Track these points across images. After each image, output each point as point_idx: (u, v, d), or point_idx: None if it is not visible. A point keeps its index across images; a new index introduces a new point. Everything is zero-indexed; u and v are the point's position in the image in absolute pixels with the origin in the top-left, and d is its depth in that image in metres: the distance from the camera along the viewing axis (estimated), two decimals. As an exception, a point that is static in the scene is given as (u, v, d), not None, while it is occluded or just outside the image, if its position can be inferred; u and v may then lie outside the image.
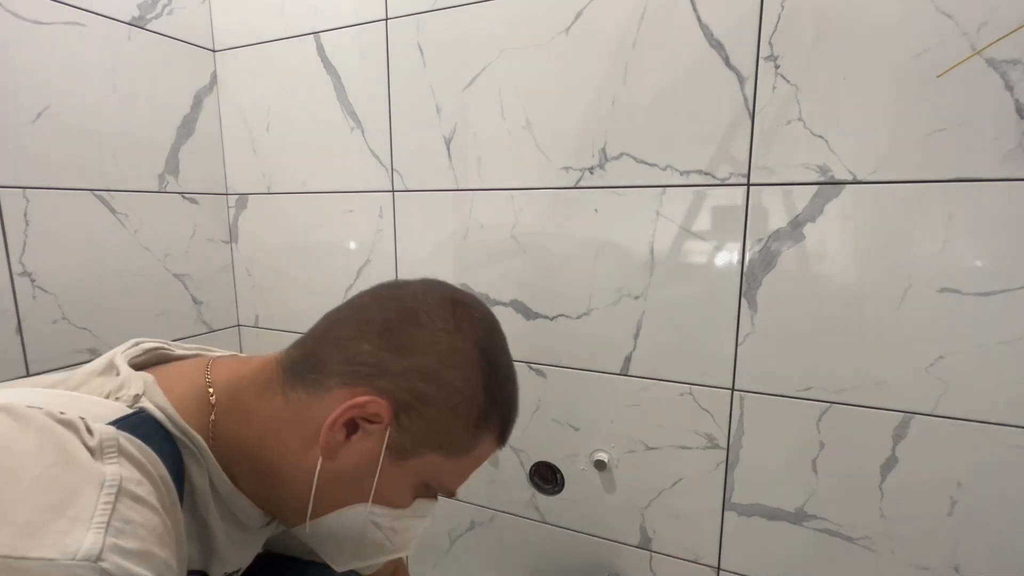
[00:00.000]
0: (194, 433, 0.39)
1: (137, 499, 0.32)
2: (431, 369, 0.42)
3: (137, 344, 0.46)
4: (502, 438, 0.48)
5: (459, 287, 0.49)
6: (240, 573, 0.51)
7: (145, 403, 0.38)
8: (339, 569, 0.49)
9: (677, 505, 0.82)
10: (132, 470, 0.33)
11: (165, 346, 0.48)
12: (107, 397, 0.38)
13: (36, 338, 0.80)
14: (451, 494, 0.48)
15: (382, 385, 0.41)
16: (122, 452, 0.33)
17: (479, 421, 0.44)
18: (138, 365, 0.44)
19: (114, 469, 0.32)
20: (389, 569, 0.68)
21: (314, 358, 0.43)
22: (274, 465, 0.42)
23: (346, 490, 0.43)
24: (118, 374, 0.41)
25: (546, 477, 0.91)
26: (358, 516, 0.44)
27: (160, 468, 0.36)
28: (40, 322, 0.81)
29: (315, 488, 0.42)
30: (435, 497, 0.48)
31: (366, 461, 0.42)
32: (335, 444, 0.41)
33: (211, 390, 0.42)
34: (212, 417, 0.42)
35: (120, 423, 0.36)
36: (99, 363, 0.42)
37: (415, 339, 0.42)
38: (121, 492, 0.31)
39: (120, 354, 0.43)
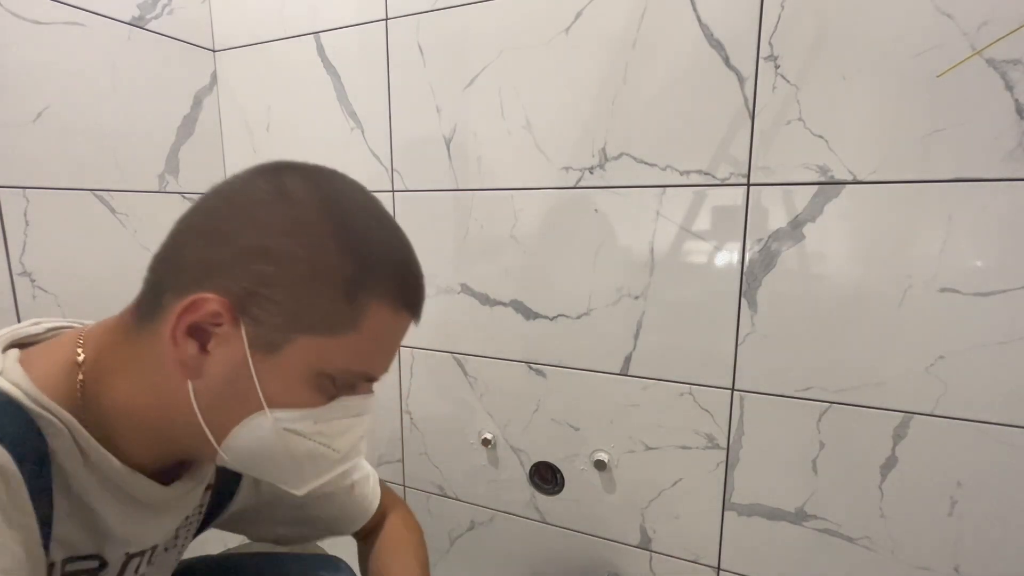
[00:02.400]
0: (58, 408, 0.37)
1: None
2: (261, 247, 0.37)
3: (37, 323, 0.43)
4: (404, 304, 0.42)
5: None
6: (168, 549, 0.49)
7: (0, 382, 0.36)
8: (299, 492, 0.45)
9: (677, 505, 0.82)
10: None
11: (77, 325, 0.45)
12: None
13: (36, 338, 0.80)
14: (368, 378, 0.43)
15: (215, 283, 0.37)
16: None
17: (350, 288, 0.39)
18: (29, 344, 0.41)
19: None
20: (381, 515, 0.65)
21: (151, 284, 0.40)
22: (152, 410, 0.40)
23: (234, 404, 0.39)
24: None
25: (546, 477, 0.91)
26: (264, 427, 0.40)
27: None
28: (40, 322, 0.81)
29: (200, 414, 0.39)
30: (354, 389, 0.43)
31: (234, 366, 0.38)
32: (192, 360, 0.38)
33: (80, 351, 0.40)
34: (80, 378, 0.39)
35: None
36: None
37: (234, 222, 0.38)
38: None
39: (5, 332, 0.41)
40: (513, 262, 0.86)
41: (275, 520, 0.59)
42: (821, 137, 0.66)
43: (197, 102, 1.02)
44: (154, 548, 0.47)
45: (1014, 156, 0.59)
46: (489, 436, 0.93)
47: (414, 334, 0.48)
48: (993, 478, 0.65)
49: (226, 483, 0.54)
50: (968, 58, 0.59)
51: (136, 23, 0.90)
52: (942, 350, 0.65)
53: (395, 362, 0.69)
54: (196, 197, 0.42)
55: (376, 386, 0.46)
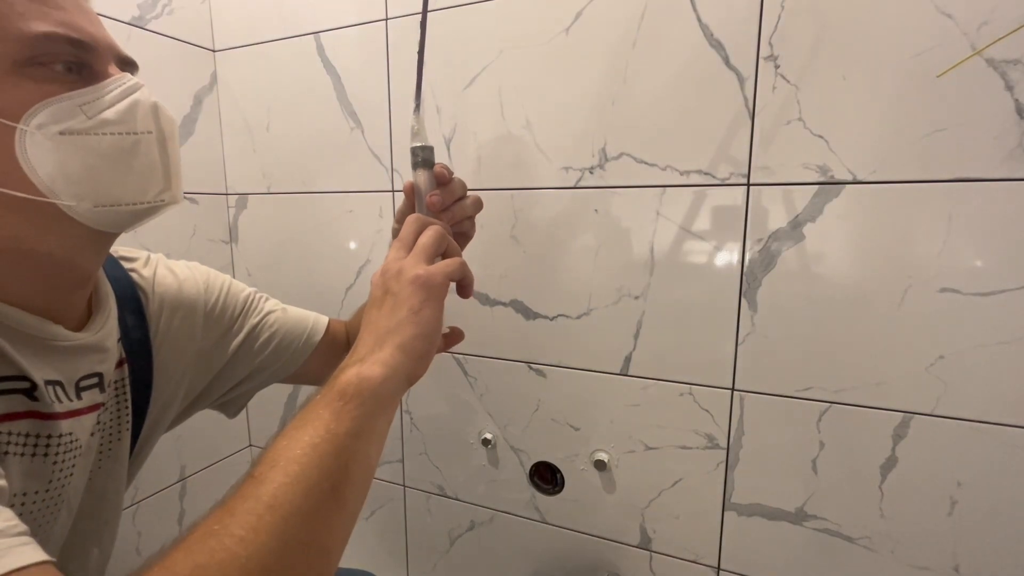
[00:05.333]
0: None
1: None
2: None
3: None
4: None
5: None
6: (103, 380, 0.48)
7: None
8: (175, 198, 0.46)
9: (677, 505, 0.82)
10: None
11: None
12: None
13: (36, 338, 0.80)
14: (51, 35, 0.37)
15: None
16: None
17: None
18: None
19: None
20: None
21: None
22: None
23: None
24: None
25: (546, 477, 0.91)
26: (37, 143, 0.37)
27: None
28: (40, 322, 0.81)
29: None
30: (93, 72, 0.40)
31: None
32: None
33: None
34: None
35: None
36: None
37: None
38: None
39: None
40: (513, 262, 0.86)
41: (233, 378, 0.61)
42: (821, 137, 0.66)
43: (197, 102, 1.02)
44: (78, 386, 0.45)
45: (1014, 156, 0.59)
46: (489, 436, 0.93)
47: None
48: (993, 478, 0.65)
49: (137, 355, 0.54)
50: (968, 58, 0.59)
51: (136, 23, 0.90)
52: (942, 350, 0.65)
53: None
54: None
55: None
